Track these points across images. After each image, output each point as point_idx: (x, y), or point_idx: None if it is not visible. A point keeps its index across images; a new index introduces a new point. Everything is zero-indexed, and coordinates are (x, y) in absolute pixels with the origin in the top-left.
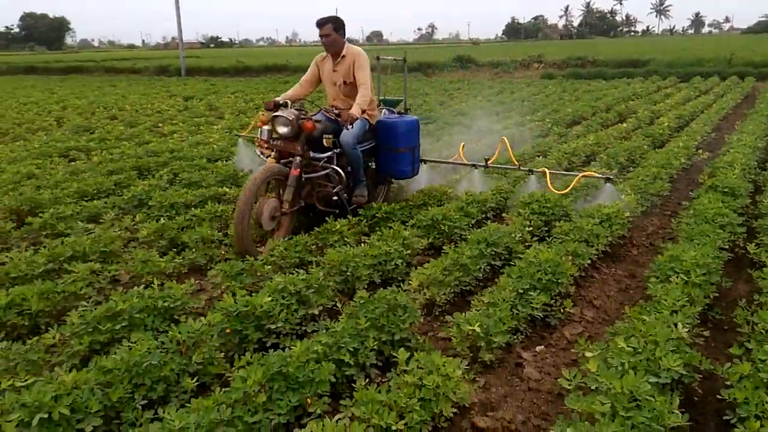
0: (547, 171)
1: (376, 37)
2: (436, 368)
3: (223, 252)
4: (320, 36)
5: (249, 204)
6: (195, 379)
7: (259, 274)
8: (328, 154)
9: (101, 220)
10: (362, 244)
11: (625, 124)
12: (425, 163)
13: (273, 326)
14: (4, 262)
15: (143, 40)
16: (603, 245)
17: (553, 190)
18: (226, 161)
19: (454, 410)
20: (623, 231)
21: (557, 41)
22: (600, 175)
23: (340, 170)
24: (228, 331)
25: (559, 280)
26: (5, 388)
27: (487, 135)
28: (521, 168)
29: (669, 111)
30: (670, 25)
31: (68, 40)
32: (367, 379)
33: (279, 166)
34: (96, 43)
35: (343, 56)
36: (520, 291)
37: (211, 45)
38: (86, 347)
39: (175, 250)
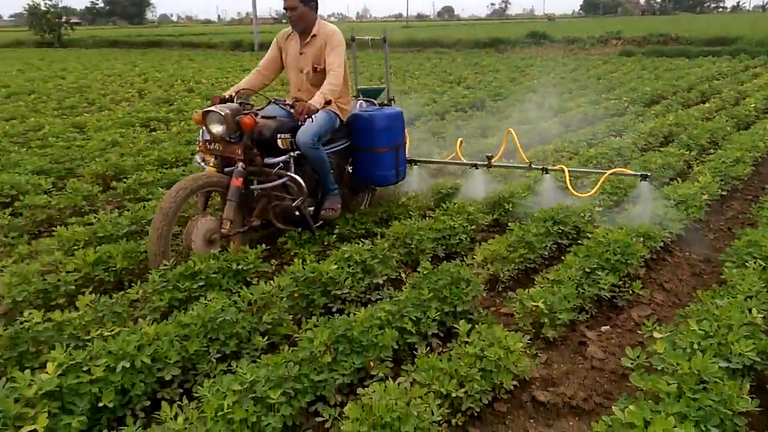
0: (566, 169)
1: (447, 13)
2: (498, 341)
3: None
4: (285, 9)
5: (165, 227)
6: (265, 338)
7: (326, 243)
8: (283, 158)
9: None
10: (427, 218)
11: (707, 104)
12: (414, 165)
13: (338, 292)
14: (92, 222)
15: (219, 16)
16: (678, 228)
17: (574, 192)
18: None
19: (515, 383)
20: (700, 215)
21: (638, 17)
22: (633, 173)
23: (298, 178)
24: (296, 295)
25: (629, 261)
26: (94, 336)
27: (559, 113)
28: (533, 166)
29: (757, 92)
30: (762, 0)
31: (148, 15)
32: (429, 348)
33: (217, 176)
34: (174, 18)
35: (314, 36)
36: (587, 270)
37: (284, 20)
38: (166, 303)
39: None
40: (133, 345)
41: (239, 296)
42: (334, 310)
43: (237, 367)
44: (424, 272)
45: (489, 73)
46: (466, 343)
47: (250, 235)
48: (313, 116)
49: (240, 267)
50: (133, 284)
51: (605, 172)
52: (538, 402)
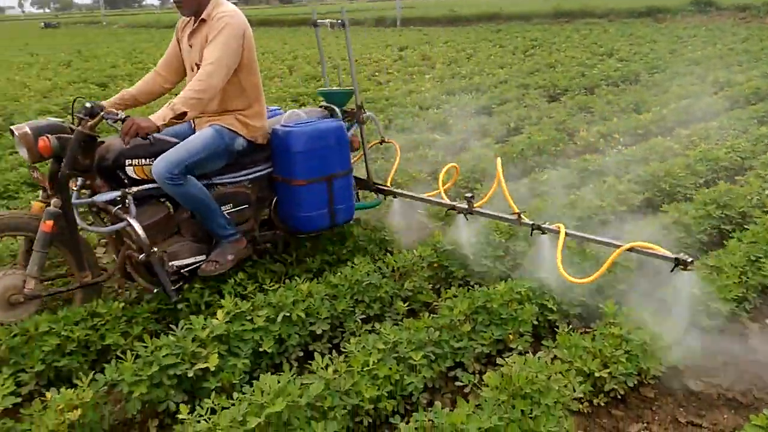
0: (563, 230)
1: None
2: (646, 325)
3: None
4: None
5: None
6: (406, 303)
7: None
8: (111, 195)
9: None
10: (569, 198)
11: None
12: (391, 198)
13: (477, 268)
14: None
15: None
16: None
17: (564, 273)
18: (437, 109)
19: (663, 369)
20: None
21: None
22: (663, 254)
23: (134, 224)
24: (436, 265)
25: None
26: (255, 290)
27: (725, 87)
28: (523, 220)
29: None
30: None
31: None
32: (569, 326)
33: (23, 216)
34: None
35: (202, 21)
36: (752, 258)
37: None
38: (317, 265)
39: None
40: (290, 300)
41: (384, 263)
42: (471, 283)
43: (380, 328)
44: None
45: (645, 44)
46: (612, 324)
47: (98, 289)
48: (151, 137)
49: (383, 236)
50: (288, 248)
51: (619, 246)
52: (689, 391)
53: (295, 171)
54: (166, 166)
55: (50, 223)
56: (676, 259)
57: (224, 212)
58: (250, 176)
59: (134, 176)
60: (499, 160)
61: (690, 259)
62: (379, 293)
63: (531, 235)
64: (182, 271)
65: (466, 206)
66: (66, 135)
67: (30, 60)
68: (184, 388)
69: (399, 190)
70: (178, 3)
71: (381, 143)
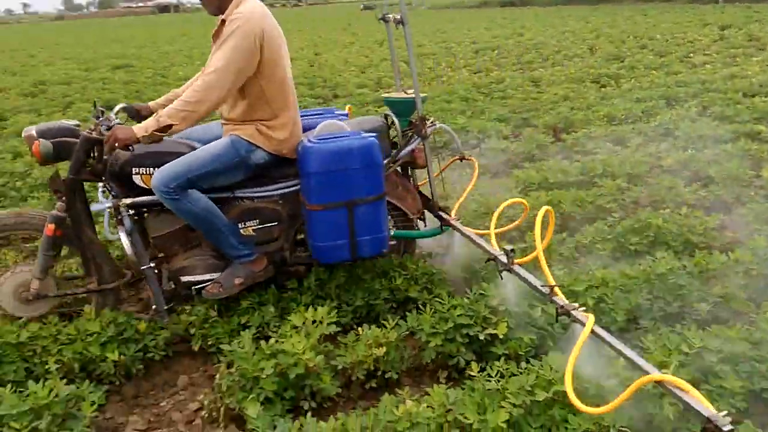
0: (590, 322)
1: None
2: None
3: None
4: None
5: None
6: (711, 306)
7: None
8: (105, 204)
9: (627, 145)
10: None
11: None
12: (448, 228)
13: None
14: (543, 168)
15: None
16: None
17: (572, 393)
18: (766, 97)
19: None
20: None
21: None
22: (698, 405)
23: (124, 239)
24: (754, 272)
25: None
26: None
27: None
28: (554, 297)
29: None
30: None
31: None
32: None
33: (29, 215)
34: None
35: (223, 21)
36: None
37: None
38: (609, 251)
39: (699, 182)
40: (583, 286)
41: (691, 260)
42: None
43: (684, 330)
44: None
45: None
46: None
47: (113, 294)
48: (131, 147)
49: (689, 232)
50: (581, 228)
51: (649, 375)
52: None
53: (309, 193)
54: (162, 179)
55: (52, 227)
56: (707, 419)
57: (249, 228)
58: (280, 191)
59: (142, 185)
60: (543, 210)
61: (729, 427)
62: (680, 292)
63: (557, 320)
64: (193, 288)
65: (506, 262)
66: (68, 139)
67: (351, 39)
68: (473, 349)
69: (455, 222)
70: (203, 3)
71: (461, 160)
